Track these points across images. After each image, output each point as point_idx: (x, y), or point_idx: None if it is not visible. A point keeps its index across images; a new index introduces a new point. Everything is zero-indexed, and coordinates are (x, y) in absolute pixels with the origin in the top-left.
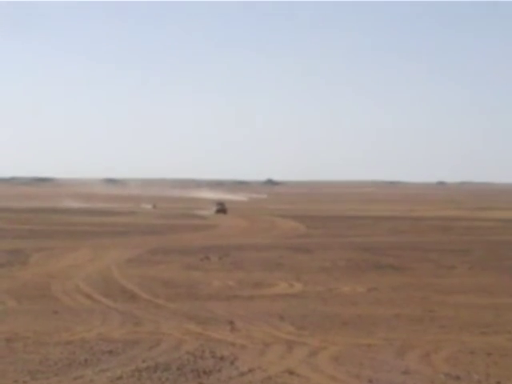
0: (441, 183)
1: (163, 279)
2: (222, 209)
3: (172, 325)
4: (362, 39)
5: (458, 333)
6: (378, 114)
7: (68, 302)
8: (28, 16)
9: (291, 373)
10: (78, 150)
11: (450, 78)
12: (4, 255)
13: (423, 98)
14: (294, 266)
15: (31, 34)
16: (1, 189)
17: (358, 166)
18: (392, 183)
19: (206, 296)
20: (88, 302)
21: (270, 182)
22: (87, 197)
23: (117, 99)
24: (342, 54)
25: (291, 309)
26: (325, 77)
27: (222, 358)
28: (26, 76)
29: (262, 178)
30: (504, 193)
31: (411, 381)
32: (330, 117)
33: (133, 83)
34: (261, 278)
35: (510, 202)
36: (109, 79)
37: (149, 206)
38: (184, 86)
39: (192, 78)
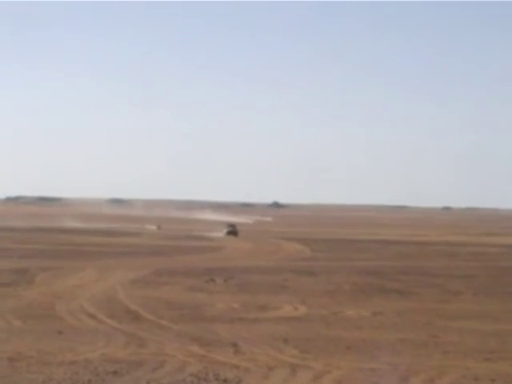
0: (446, 208)
1: (168, 300)
2: (232, 231)
3: (176, 346)
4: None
5: (463, 359)
6: (381, 138)
7: (72, 322)
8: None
9: None
10: (85, 170)
11: (458, 98)
12: (10, 275)
13: (427, 121)
14: (299, 289)
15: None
16: (7, 208)
17: (363, 189)
18: (397, 207)
19: (211, 318)
20: (92, 323)
21: (276, 205)
22: (92, 217)
23: (122, 119)
24: (344, 71)
25: (295, 332)
26: (330, 99)
27: (225, 381)
28: (32, 94)
29: (268, 200)
30: (509, 219)
31: None
32: (334, 141)
33: (137, 102)
34: (265, 301)
35: None
36: (115, 97)
37: (153, 227)
38: (187, 104)
39: (194, 97)
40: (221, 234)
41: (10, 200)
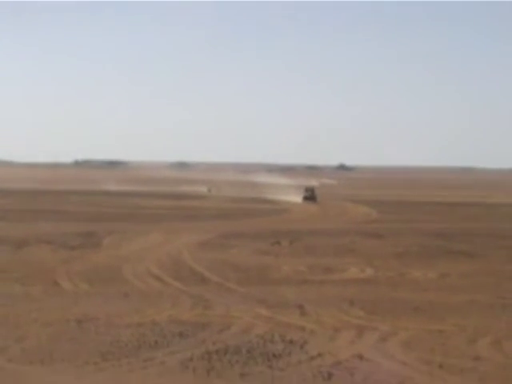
0: None
1: (234, 263)
2: (310, 196)
3: (242, 308)
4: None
5: None
6: (449, 100)
7: (139, 284)
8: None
9: (361, 358)
10: (151, 134)
11: None
12: (77, 238)
13: (496, 81)
14: (365, 252)
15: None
16: (74, 172)
17: (431, 151)
18: (465, 169)
19: (277, 280)
20: (159, 285)
21: (342, 168)
22: (145, 180)
23: (188, 86)
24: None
25: (362, 294)
26: (401, 62)
27: (291, 342)
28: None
29: (334, 162)
30: None
31: (482, 367)
32: (401, 102)
33: (205, 69)
34: (331, 263)
35: None
36: (185, 65)
37: (204, 190)
38: (258, 71)
39: (271, 62)
40: (294, 198)
41: (78, 164)
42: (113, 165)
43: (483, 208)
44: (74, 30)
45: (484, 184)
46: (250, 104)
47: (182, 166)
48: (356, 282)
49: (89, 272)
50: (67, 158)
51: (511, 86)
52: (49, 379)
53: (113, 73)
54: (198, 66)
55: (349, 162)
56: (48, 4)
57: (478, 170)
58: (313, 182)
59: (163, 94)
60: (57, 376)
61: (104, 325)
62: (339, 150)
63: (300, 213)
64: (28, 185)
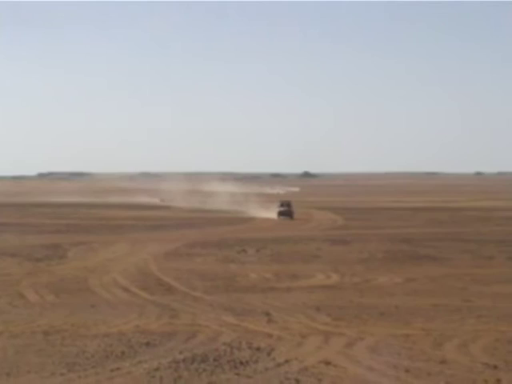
0: (478, 174)
1: (200, 272)
2: (286, 211)
3: (209, 317)
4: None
5: (496, 323)
6: (412, 105)
7: (105, 295)
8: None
9: (328, 363)
10: (118, 146)
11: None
12: (42, 250)
13: (459, 89)
14: (331, 258)
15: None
16: (39, 184)
17: (395, 157)
18: (429, 174)
19: (243, 288)
20: (125, 296)
21: (307, 175)
22: (93, 190)
23: (156, 97)
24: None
25: (328, 300)
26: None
27: (258, 349)
28: (61, 71)
29: (299, 170)
30: None
31: (449, 370)
32: (364, 108)
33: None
34: (298, 270)
35: None
36: (149, 76)
37: (156, 200)
38: (221, 82)
39: (230, 73)
40: (268, 213)
41: (43, 176)
42: (76, 176)
43: (447, 212)
44: (42, 40)
45: (447, 189)
46: (220, 112)
47: (145, 176)
48: (322, 288)
49: (55, 284)
50: (31, 170)
51: (476, 91)
52: None
53: (76, 85)
54: (161, 75)
55: (313, 170)
56: None
57: (441, 175)
58: (274, 190)
59: (128, 103)
60: None
61: (70, 336)
62: (304, 158)
63: (265, 221)
64: None
